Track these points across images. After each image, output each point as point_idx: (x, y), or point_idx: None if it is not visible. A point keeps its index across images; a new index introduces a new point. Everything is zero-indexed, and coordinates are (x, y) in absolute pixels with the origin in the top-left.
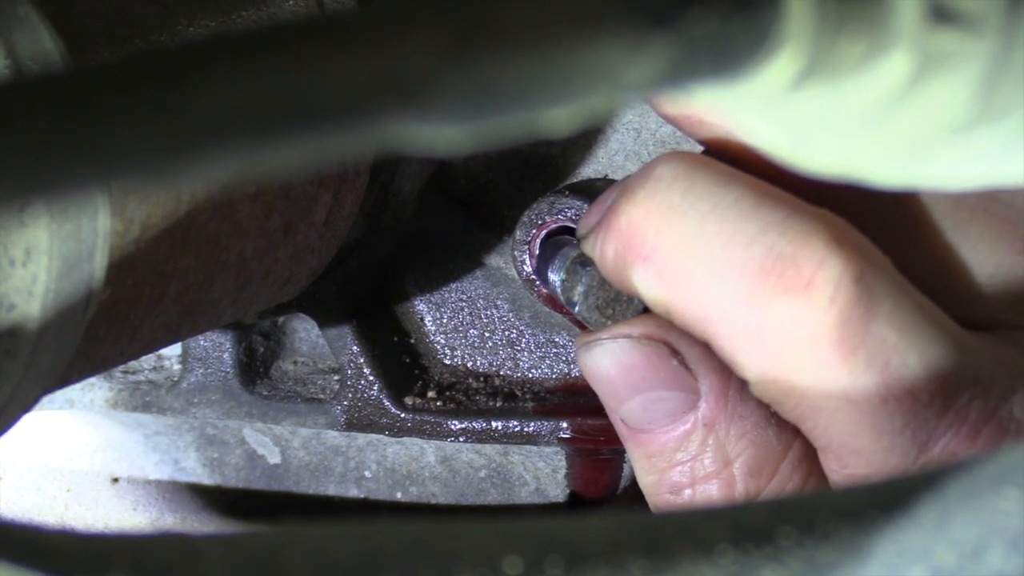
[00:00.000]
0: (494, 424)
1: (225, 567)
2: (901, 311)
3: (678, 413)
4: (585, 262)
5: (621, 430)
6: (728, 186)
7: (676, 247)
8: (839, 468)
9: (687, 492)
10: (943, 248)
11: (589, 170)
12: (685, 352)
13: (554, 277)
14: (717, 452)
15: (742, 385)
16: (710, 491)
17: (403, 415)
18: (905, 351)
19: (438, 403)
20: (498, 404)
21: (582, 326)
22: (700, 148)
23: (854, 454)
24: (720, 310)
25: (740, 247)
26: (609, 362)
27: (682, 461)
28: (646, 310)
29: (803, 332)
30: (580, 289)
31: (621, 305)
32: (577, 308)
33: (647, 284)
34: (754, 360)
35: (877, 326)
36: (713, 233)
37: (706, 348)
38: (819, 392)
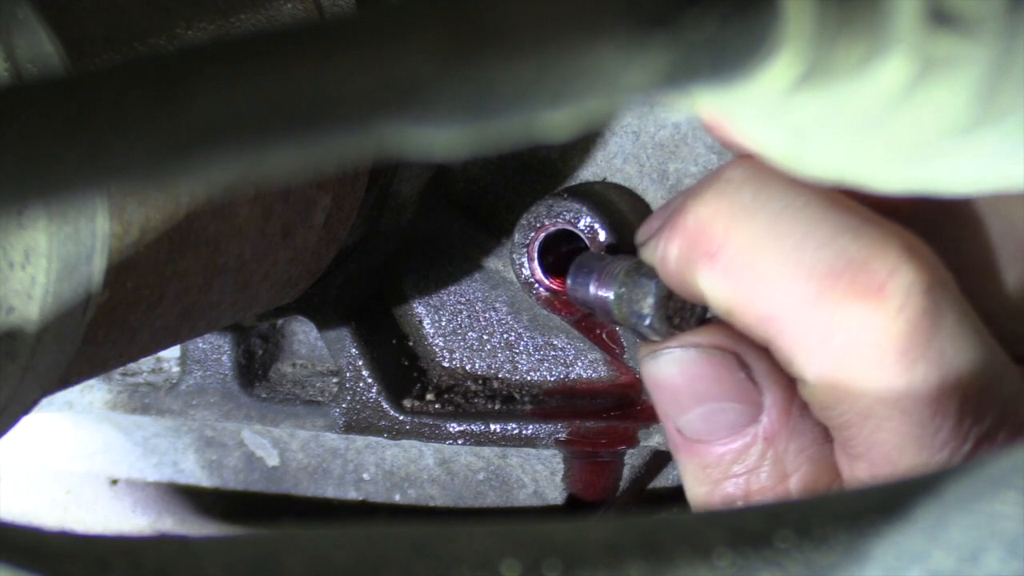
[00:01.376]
0: (492, 426)
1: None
2: (961, 328)
3: (739, 426)
4: (644, 273)
5: (675, 439)
6: (799, 189)
7: (745, 246)
8: (868, 479)
9: (739, 505)
10: (988, 278)
11: (588, 173)
12: (752, 364)
13: (604, 293)
14: (775, 467)
15: (803, 400)
16: None
17: (402, 417)
18: (960, 368)
19: (436, 405)
20: (496, 407)
21: (586, 331)
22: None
23: (890, 465)
24: (787, 310)
25: (811, 248)
26: (676, 371)
27: (738, 474)
28: (706, 320)
29: (869, 337)
30: (649, 300)
31: (685, 314)
32: (644, 320)
33: (712, 283)
34: (815, 361)
35: (939, 339)
36: (784, 233)
37: (772, 361)
38: (873, 398)
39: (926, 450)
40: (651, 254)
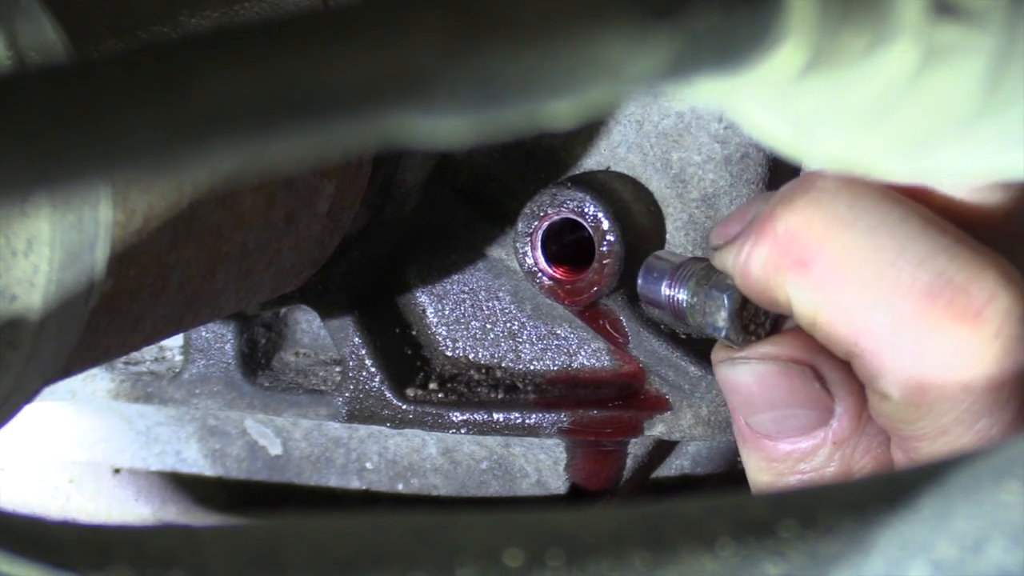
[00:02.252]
0: (495, 416)
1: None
2: None
3: (809, 428)
4: (716, 283)
5: (743, 431)
6: (895, 203)
7: (839, 258)
8: None
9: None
10: None
11: (591, 162)
12: (827, 375)
13: (676, 300)
14: (841, 466)
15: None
16: None
17: (405, 407)
18: None
19: (440, 395)
20: (500, 396)
21: (589, 320)
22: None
23: None
24: (879, 326)
25: (909, 266)
26: (752, 380)
27: (804, 471)
28: (776, 327)
29: (963, 360)
30: (723, 313)
31: (759, 319)
32: (720, 331)
33: (802, 293)
34: (901, 381)
35: None
36: (881, 248)
37: (846, 369)
38: (954, 419)
39: None
40: (729, 259)
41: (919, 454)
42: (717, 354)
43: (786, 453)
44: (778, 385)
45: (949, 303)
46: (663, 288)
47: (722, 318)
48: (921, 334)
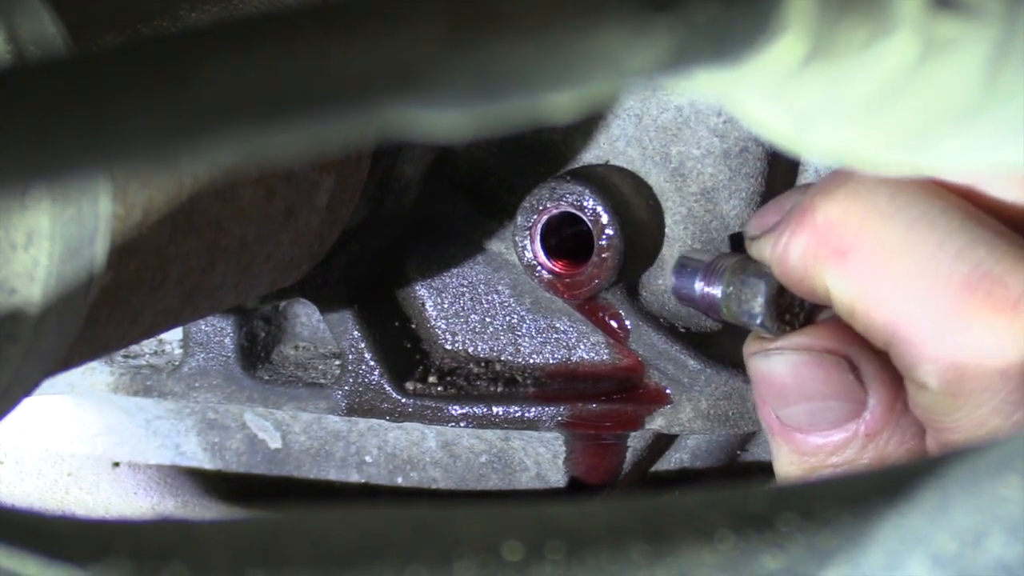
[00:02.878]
0: (495, 409)
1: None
2: None
3: (841, 420)
4: (752, 271)
5: (773, 424)
6: (934, 197)
7: (878, 249)
8: None
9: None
10: None
11: (590, 156)
12: (861, 366)
13: (712, 291)
14: (874, 459)
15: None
16: None
17: (404, 400)
18: None
19: (439, 388)
20: (499, 389)
21: (589, 313)
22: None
23: None
24: (917, 317)
25: (948, 258)
26: (786, 371)
27: (835, 464)
28: (811, 318)
29: (1000, 350)
30: (760, 300)
31: (795, 310)
32: (755, 319)
33: (840, 282)
34: (940, 370)
35: None
36: (921, 241)
37: (880, 361)
38: (992, 409)
39: None
40: (767, 248)
41: (955, 446)
42: (750, 346)
43: (818, 446)
44: (813, 376)
45: (987, 294)
46: (697, 283)
47: (759, 304)
48: (959, 324)
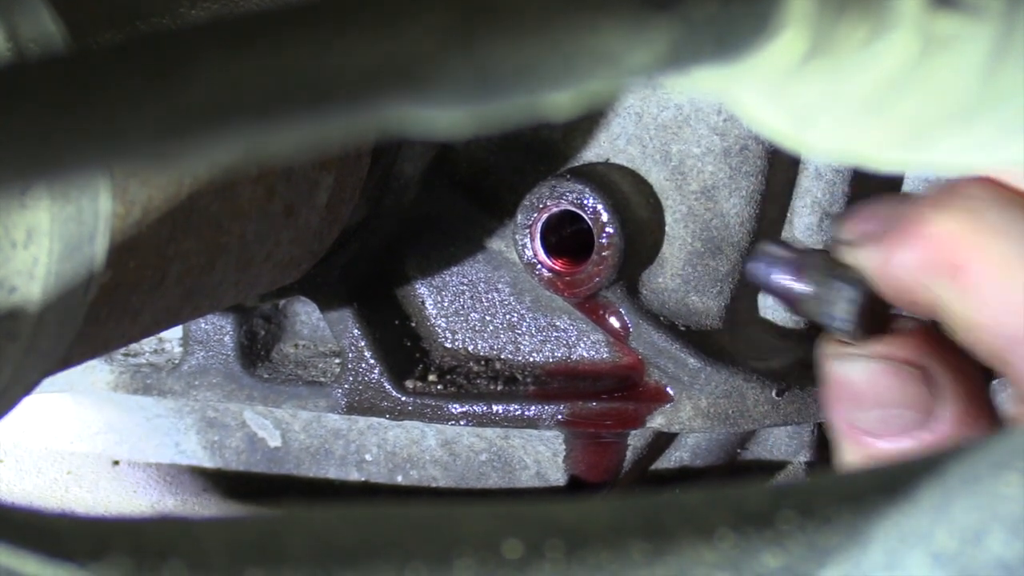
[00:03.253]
0: (495, 408)
1: (225, 550)
2: None
3: (910, 429)
4: (841, 275)
5: (841, 426)
6: None
7: (995, 266)
8: None
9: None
10: None
11: (591, 154)
12: (938, 378)
13: (797, 286)
14: None
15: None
16: None
17: (404, 398)
18: None
19: (439, 386)
20: (499, 388)
21: (589, 312)
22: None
23: None
24: None
25: None
26: (864, 377)
27: None
28: (889, 326)
29: None
30: (847, 306)
31: (877, 317)
32: (837, 322)
33: (954, 298)
34: None
35: None
36: None
37: (959, 374)
38: None
39: None
40: (865, 256)
41: None
42: (828, 348)
43: (885, 451)
44: (889, 385)
45: None
46: (776, 274)
47: (843, 310)
48: None
